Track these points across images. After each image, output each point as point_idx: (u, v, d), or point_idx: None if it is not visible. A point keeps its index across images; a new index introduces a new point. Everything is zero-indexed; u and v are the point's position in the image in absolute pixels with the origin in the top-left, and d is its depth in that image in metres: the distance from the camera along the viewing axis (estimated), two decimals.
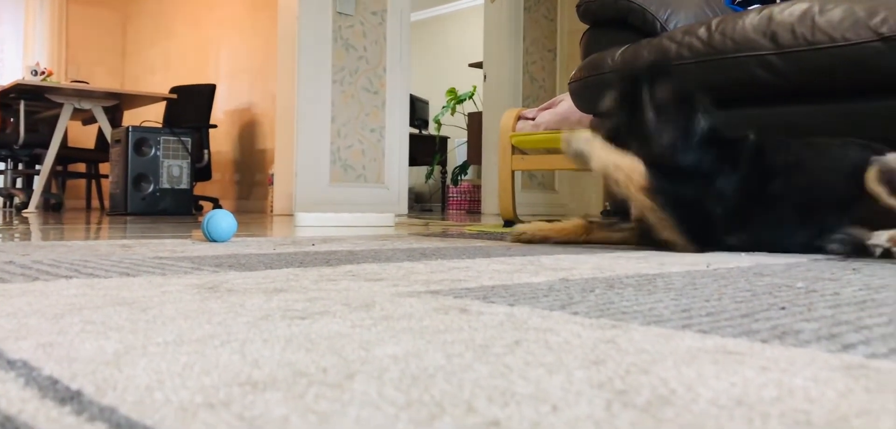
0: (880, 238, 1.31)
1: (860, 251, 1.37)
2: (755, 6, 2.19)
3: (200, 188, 5.68)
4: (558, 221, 1.75)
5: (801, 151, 1.51)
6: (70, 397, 0.38)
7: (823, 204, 1.46)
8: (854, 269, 1.11)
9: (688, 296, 0.78)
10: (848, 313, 0.67)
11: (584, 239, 1.70)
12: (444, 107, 7.77)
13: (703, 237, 1.46)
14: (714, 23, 1.92)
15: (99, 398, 0.38)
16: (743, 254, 1.41)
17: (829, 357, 0.49)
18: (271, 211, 5.01)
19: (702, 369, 0.45)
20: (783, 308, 0.70)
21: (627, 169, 1.44)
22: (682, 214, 1.44)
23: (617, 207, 1.66)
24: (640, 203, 1.46)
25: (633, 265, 1.16)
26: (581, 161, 1.50)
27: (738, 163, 1.51)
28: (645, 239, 1.54)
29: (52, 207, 5.30)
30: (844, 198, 1.43)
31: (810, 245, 1.45)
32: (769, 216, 1.49)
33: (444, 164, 7.82)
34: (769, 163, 1.51)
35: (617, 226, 1.65)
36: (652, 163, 1.46)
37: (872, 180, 1.36)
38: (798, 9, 1.79)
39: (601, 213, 1.93)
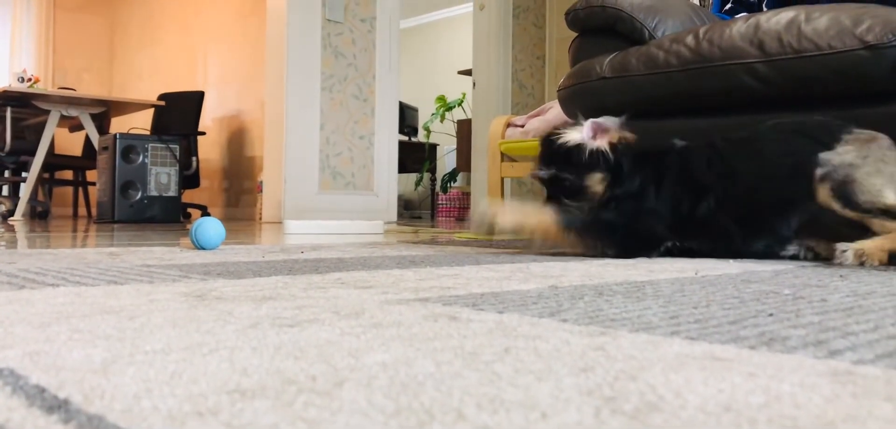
0: (847, 256, 1.30)
1: (825, 260, 1.36)
2: (742, 14, 2.21)
3: (188, 196, 5.65)
4: None
5: (735, 156, 1.49)
6: (57, 406, 0.38)
7: (768, 212, 1.44)
8: (841, 276, 1.12)
9: (676, 303, 0.79)
10: (835, 320, 0.67)
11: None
12: (433, 114, 7.78)
13: (636, 249, 1.50)
14: (701, 31, 1.93)
15: (86, 407, 0.38)
16: (737, 260, 1.42)
17: (816, 363, 0.49)
18: (260, 219, 5.00)
19: (690, 376, 0.45)
20: (771, 315, 0.70)
21: (538, 223, 1.52)
22: (605, 236, 1.50)
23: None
24: (563, 244, 1.51)
25: (622, 273, 1.16)
26: (490, 228, 1.53)
27: (662, 181, 1.52)
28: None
29: (39, 215, 5.26)
30: (788, 201, 1.42)
31: (769, 253, 1.45)
32: (708, 232, 1.49)
33: (433, 171, 7.82)
34: (699, 177, 1.50)
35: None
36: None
37: (825, 196, 1.35)
38: (785, 17, 1.81)
39: None
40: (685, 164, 1.53)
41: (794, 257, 1.44)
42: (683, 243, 1.51)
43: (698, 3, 2.89)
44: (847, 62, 1.68)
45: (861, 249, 1.29)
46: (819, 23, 1.74)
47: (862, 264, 1.28)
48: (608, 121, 1.55)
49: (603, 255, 1.48)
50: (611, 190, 1.54)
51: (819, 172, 1.37)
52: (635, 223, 1.52)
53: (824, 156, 1.37)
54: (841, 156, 1.36)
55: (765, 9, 2.50)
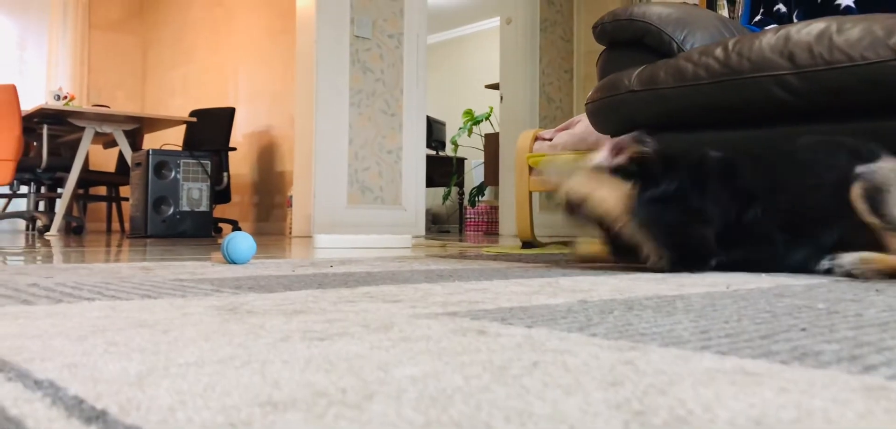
0: (845, 260, 1.29)
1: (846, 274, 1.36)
2: (772, 26, 2.19)
3: (220, 210, 5.72)
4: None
5: (781, 164, 1.50)
6: (95, 417, 0.39)
7: (811, 223, 1.44)
8: (877, 290, 1.10)
9: (707, 317, 0.78)
10: (870, 335, 0.66)
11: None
12: (460, 128, 7.80)
13: (685, 256, 1.47)
14: (731, 43, 1.92)
15: (123, 418, 0.38)
16: (740, 273, 1.41)
17: (850, 379, 0.48)
18: (290, 233, 5.04)
19: (720, 390, 0.45)
20: (804, 329, 0.69)
21: (611, 196, 1.50)
22: (663, 234, 1.47)
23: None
24: (622, 225, 1.48)
25: (653, 287, 1.15)
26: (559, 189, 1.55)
27: (704, 186, 1.52)
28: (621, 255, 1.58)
29: (74, 230, 5.36)
30: (832, 214, 1.42)
31: (807, 265, 1.44)
32: (754, 239, 1.48)
33: (461, 185, 7.83)
34: (744, 185, 1.51)
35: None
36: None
37: (856, 196, 1.36)
38: (816, 28, 1.79)
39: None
40: (728, 170, 1.54)
41: (829, 272, 1.42)
42: (729, 253, 1.50)
43: (727, 16, 2.87)
44: (880, 73, 1.66)
45: (868, 259, 1.29)
46: (851, 33, 1.72)
47: (851, 275, 1.28)
48: (624, 139, 1.58)
49: (655, 267, 1.46)
50: (641, 194, 1.53)
51: (855, 174, 1.39)
52: (685, 226, 1.50)
53: (861, 167, 1.39)
54: (877, 168, 1.38)
55: (795, 20, 2.48)
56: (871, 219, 1.34)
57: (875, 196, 1.34)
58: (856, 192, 1.36)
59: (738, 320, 0.75)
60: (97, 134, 5.02)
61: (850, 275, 1.29)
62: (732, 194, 1.51)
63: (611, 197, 1.49)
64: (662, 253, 1.45)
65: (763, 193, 1.48)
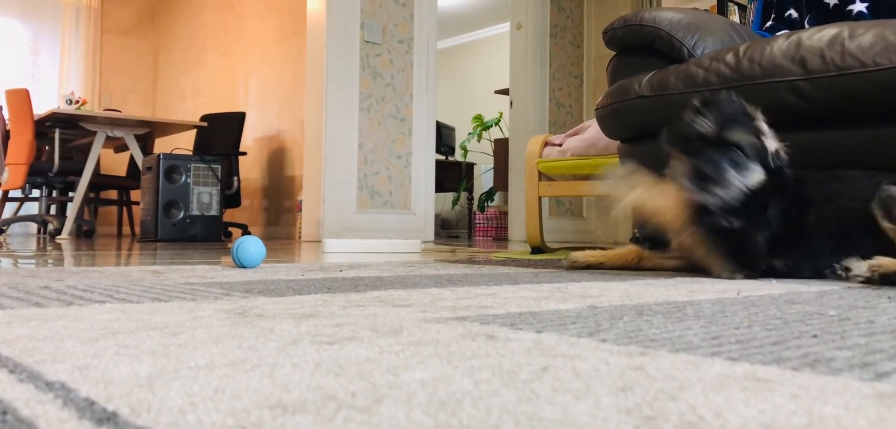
0: (860, 267, 1.31)
1: (849, 278, 1.41)
2: (783, 31, 2.18)
3: (230, 215, 5.73)
4: (608, 248, 1.78)
5: (831, 182, 1.57)
6: (106, 418, 0.39)
7: (852, 232, 1.49)
8: (889, 297, 1.10)
9: (718, 323, 0.78)
10: (882, 342, 0.66)
11: (635, 265, 1.77)
12: (470, 133, 7.80)
13: (745, 262, 1.50)
14: (742, 49, 1.91)
15: (134, 420, 0.39)
16: (781, 281, 1.40)
17: (862, 385, 0.48)
18: (299, 237, 5.05)
19: (730, 396, 0.45)
20: (815, 336, 0.69)
21: (669, 202, 1.46)
22: (723, 242, 1.50)
23: (647, 234, 1.70)
24: (682, 234, 1.46)
25: (663, 293, 1.15)
26: (617, 197, 1.54)
27: (783, 192, 1.56)
28: (692, 264, 1.61)
29: (85, 234, 5.39)
30: (868, 225, 1.47)
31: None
32: (807, 244, 1.53)
33: (470, 190, 7.83)
34: (807, 194, 1.56)
35: (667, 254, 1.73)
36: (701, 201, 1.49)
37: (876, 207, 1.44)
38: (827, 34, 1.78)
39: (630, 239, 1.94)
40: (796, 183, 1.59)
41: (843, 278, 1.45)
42: (783, 257, 1.54)
43: (738, 21, 2.87)
44: (893, 79, 1.65)
45: (877, 264, 1.31)
46: (863, 39, 1.71)
47: (869, 280, 1.33)
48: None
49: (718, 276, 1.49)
50: (774, 201, 1.53)
51: (880, 191, 1.47)
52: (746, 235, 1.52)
53: (887, 186, 1.47)
54: None
55: (806, 26, 2.47)
56: (884, 223, 1.41)
57: (888, 204, 1.42)
58: (876, 203, 1.45)
59: (748, 327, 0.75)
60: (108, 138, 5.05)
61: (868, 281, 1.31)
62: (795, 204, 1.55)
63: (670, 208, 1.51)
64: (726, 264, 1.50)
65: (820, 202, 1.54)
